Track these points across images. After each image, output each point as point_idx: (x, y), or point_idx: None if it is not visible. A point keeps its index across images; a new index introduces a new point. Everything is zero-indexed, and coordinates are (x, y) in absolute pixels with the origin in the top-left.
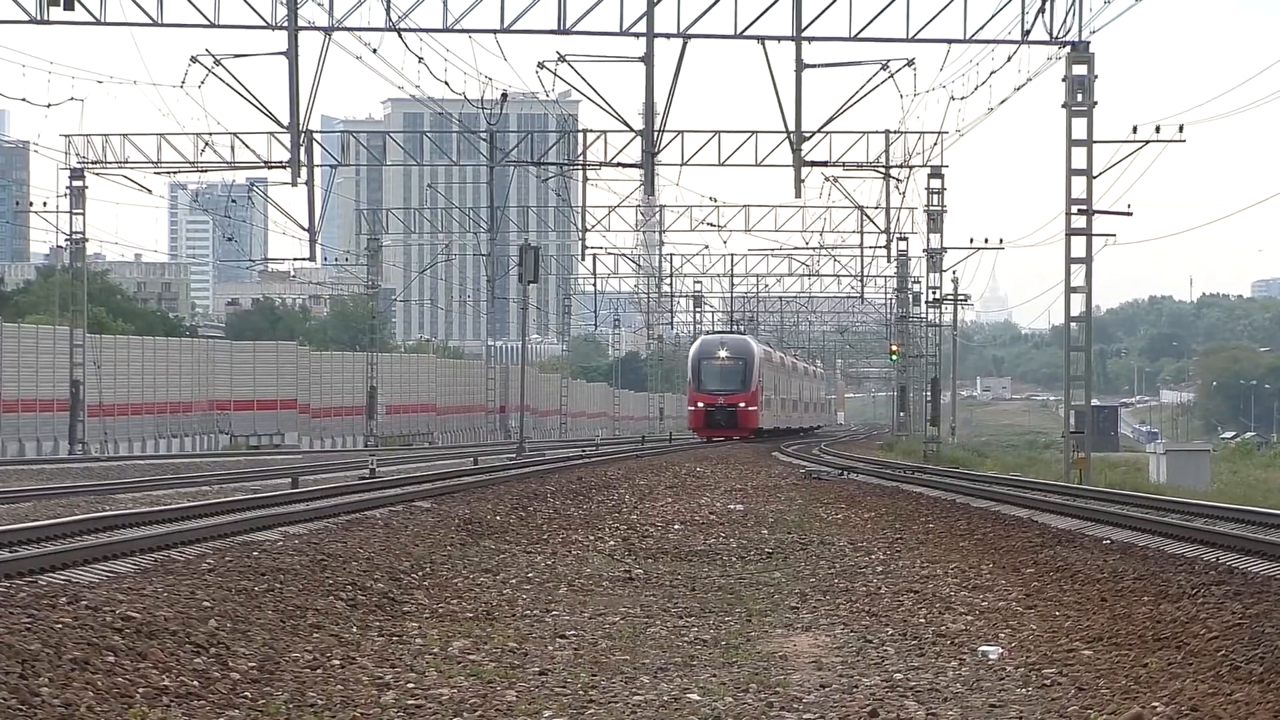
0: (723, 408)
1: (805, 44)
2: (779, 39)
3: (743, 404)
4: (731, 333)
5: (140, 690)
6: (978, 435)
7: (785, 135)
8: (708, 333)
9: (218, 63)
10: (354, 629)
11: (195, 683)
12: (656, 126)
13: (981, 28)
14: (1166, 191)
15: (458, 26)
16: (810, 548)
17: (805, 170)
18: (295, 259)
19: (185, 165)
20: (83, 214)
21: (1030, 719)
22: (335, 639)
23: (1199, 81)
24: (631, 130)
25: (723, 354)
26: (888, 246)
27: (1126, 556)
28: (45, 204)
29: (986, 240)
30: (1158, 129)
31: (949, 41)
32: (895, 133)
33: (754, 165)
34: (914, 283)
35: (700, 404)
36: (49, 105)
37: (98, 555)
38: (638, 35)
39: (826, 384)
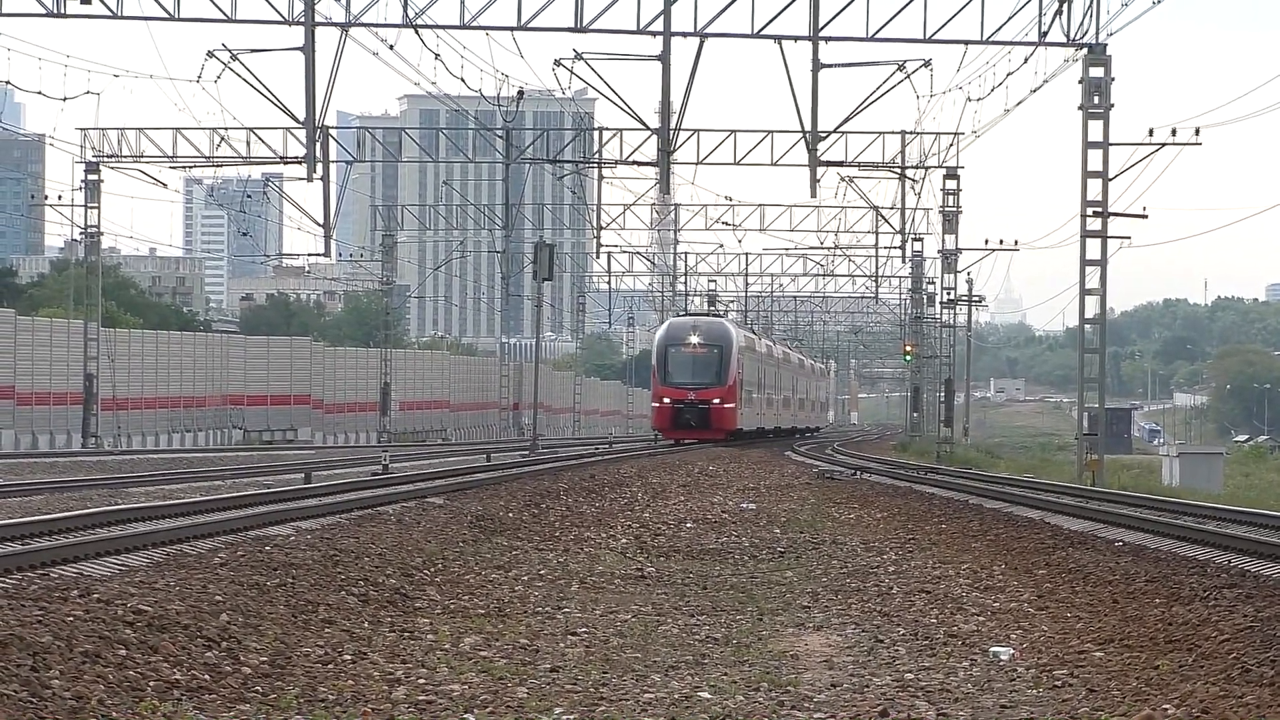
0: (693, 405)
1: (822, 44)
2: (796, 39)
3: (717, 400)
4: (705, 315)
5: (151, 684)
6: (991, 436)
7: (801, 135)
8: (677, 314)
9: (234, 57)
10: (365, 624)
11: (206, 676)
12: (672, 125)
13: (999, 29)
14: (1182, 194)
15: (474, 23)
16: (822, 547)
17: (821, 170)
18: (310, 254)
19: (201, 160)
20: (98, 208)
21: None
22: (347, 634)
23: (1215, 85)
24: (647, 128)
25: (694, 340)
26: (902, 247)
27: (1138, 559)
28: (60, 197)
29: (1001, 242)
30: (1174, 132)
31: (966, 43)
32: (911, 133)
33: (770, 165)
34: (929, 283)
35: (666, 400)
36: (65, 99)
37: (110, 549)
38: (654, 34)
39: (828, 379)
